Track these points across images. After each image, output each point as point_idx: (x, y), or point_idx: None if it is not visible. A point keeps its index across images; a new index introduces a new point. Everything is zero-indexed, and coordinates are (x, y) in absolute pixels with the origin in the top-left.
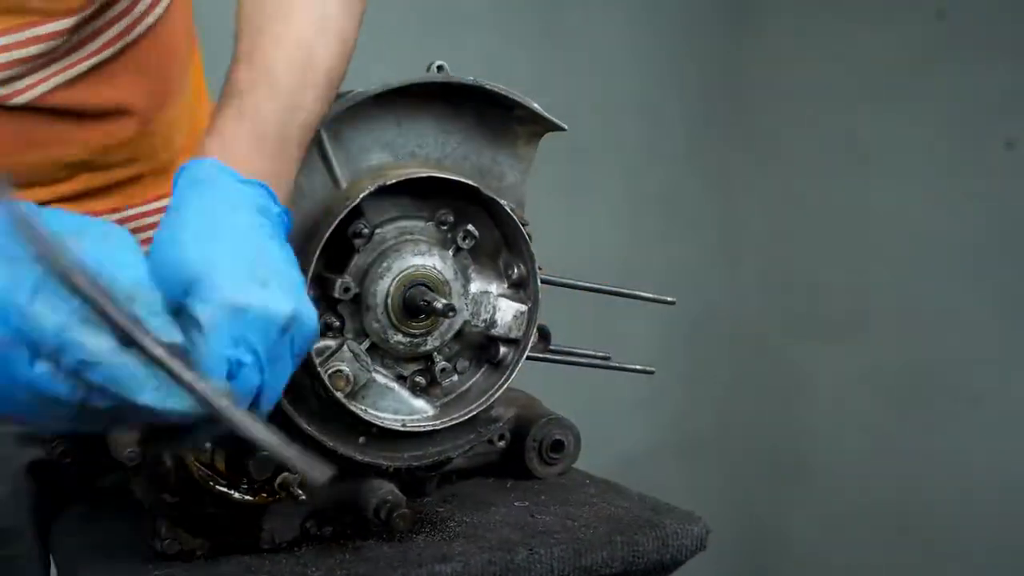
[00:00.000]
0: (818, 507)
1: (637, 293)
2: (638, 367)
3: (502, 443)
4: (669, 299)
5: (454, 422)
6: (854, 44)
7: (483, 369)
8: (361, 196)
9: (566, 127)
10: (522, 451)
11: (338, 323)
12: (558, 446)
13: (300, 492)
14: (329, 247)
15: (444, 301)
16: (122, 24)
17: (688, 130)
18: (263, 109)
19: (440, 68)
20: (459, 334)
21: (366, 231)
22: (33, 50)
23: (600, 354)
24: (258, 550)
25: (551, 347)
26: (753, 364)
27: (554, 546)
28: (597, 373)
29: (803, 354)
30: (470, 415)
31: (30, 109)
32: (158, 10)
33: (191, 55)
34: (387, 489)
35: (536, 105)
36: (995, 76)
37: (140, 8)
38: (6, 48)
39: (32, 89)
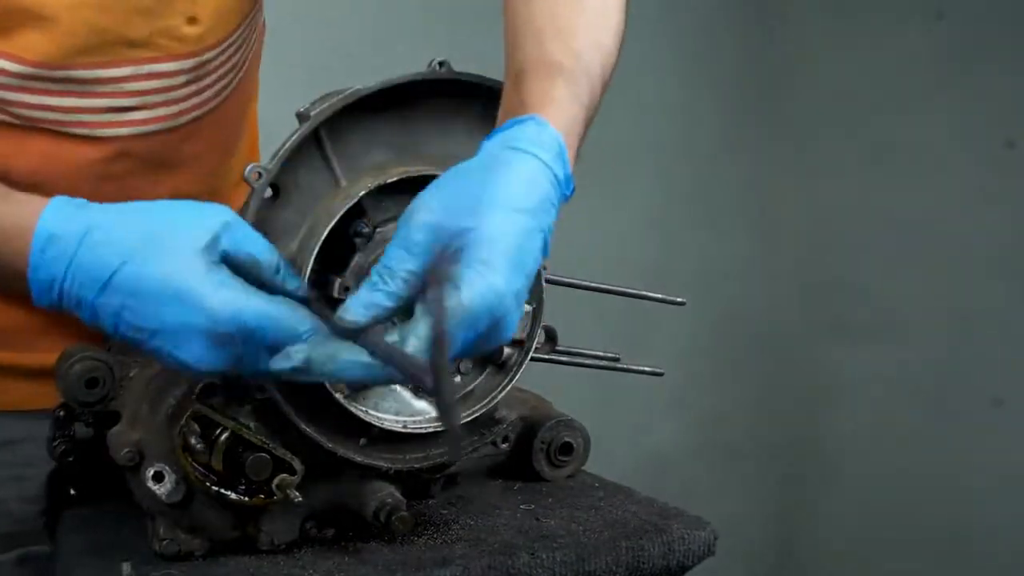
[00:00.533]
0: (850, 509)
1: (645, 294)
2: (647, 368)
3: (506, 445)
4: (679, 300)
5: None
6: (891, 43)
7: (487, 370)
8: (360, 195)
9: None
10: (530, 453)
11: None
12: (567, 448)
13: (296, 494)
14: (331, 247)
15: None
16: (226, 77)
17: (722, 128)
18: (586, 102)
19: (442, 64)
20: None
21: (367, 230)
22: (147, 85)
23: (609, 355)
24: (256, 552)
25: (558, 348)
26: (786, 365)
27: (557, 550)
28: (625, 374)
29: (836, 355)
30: (472, 416)
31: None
32: (247, 64)
33: (254, 103)
34: (387, 491)
35: None
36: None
37: (237, 59)
38: (124, 79)
39: (133, 126)
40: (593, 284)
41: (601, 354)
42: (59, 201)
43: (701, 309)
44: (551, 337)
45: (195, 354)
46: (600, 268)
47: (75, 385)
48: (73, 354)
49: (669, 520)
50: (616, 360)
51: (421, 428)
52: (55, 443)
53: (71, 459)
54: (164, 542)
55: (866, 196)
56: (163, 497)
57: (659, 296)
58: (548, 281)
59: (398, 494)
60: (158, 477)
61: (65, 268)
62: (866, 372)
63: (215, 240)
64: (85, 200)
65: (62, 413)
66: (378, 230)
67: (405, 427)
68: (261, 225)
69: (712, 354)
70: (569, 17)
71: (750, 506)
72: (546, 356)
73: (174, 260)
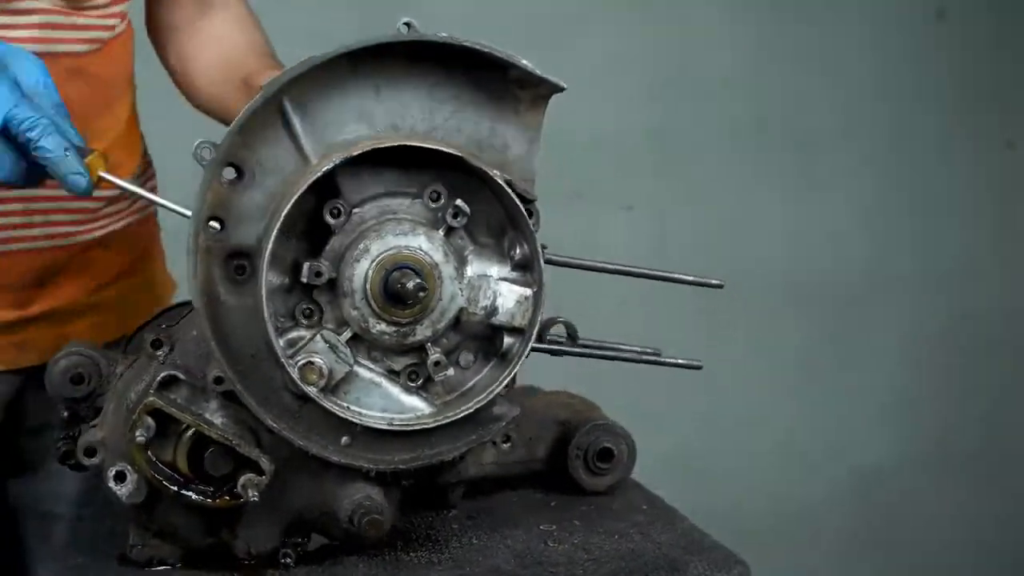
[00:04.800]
0: None
1: (678, 276)
2: (682, 361)
3: (507, 445)
4: (715, 282)
5: (448, 420)
6: None
7: (490, 363)
8: (323, 170)
9: (565, 86)
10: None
11: (312, 310)
12: (606, 455)
13: (254, 494)
14: (312, 231)
15: (416, 281)
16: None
17: (939, 120)
18: None
19: (408, 25)
20: (457, 323)
21: (342, 211)
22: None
23: (649, 350)
24: (234, 561)
25: (584, 341)
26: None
27: None
28: (839, 379)
29: None
30: (466, 413)
31: None
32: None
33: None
34: (364, 494)
35: (526, 62)
36: None
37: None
38: None
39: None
40: (602, 265)
41: (639, 349)
42: None
43: (924, 308)
44: (571, 335)
45: None
46: (805, 265)
47: (60, 380)
48: (63, 349)
49: (692, 556)
50: (657, 354)
51: (408, 425)
52: (58, 444)
53: (73, 462)
54: (134, 548)
55: None
56: (123, 498)
57: (692, 279)
58: (549, 262)
59: (378, 497)
60: (120, 477)
61: None
62: None
63: None
64: None
65: (66, 413)
66: (355, 211)
67: (391, 424)
68: (226, 207)
69: (937, 360)
70: (254, 39)
71: (985, 524)
72: (569, 349)
73: None
